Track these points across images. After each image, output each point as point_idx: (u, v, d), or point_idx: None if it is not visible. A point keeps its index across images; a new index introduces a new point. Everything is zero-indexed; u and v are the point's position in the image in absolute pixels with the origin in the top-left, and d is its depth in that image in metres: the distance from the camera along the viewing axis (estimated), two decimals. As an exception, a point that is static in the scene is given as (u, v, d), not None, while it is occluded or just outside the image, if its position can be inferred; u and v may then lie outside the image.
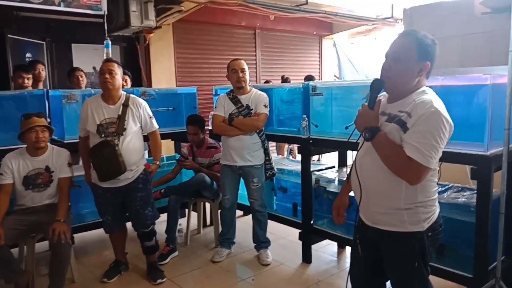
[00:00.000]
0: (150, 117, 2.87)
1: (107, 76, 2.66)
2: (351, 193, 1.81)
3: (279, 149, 6.36)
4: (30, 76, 3.90)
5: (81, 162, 4.20)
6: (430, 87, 1.57)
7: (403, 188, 1.51)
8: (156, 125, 2.92)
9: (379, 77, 1.55)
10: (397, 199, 1.53)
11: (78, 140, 3.12)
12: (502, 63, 2.29)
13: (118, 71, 2.72)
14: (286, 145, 6.28)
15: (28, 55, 4.96)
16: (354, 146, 1.73)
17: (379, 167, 1.52)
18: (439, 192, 2.55)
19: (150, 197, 2.90)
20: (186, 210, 3.79)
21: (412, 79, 1.50)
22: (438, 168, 1.61)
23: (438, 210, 1.62)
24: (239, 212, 3.75)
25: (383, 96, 1.64)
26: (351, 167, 1.68)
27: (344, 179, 3.03)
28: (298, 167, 3.28)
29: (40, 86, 4.23)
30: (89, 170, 2.86)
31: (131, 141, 2.74)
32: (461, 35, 3.45)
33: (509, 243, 2.36)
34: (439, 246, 2.35)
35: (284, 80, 6.12)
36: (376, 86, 1.53)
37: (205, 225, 4.07)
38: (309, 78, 5.59)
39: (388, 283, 1.79)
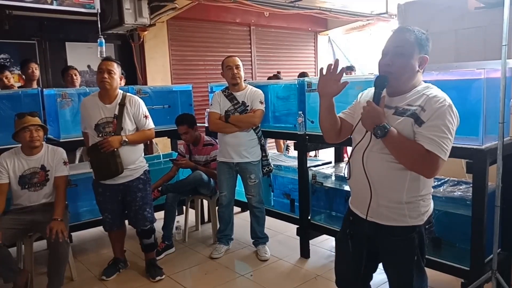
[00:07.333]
0: (145, 116, 2.79)
1: (106, 76, 2.63)
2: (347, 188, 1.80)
3: (278, 146, 6.31)
4: (6, 74, 3.94)
5: (77, 161, 4.21)
6: (425, 81, 1.58)
7: (407, 181, 1.52)
8: (151, 125, 2.83)
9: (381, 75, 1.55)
10: (400, 192, 1.54)
11: (73, 139, 3.14)
12: (495, 58, 2.30)
13: (117, 71, 2.69)
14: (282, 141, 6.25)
15: (2, 56, 4.92)
16: (350, 142, 1.73)
17: (386, 162, 1.52)
18: (435, 186, 2.58)
19: (149, 198, 2.91)
20: (184, 207, 3.79)
21: (414, 73, 1.53)
22: None
23: (432, 203, 1.64)
24: (236, 209, 3.76)
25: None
26: (349, 164, 1.67)
27: (341, 174, 3.06)
28: (295, 163, 3.29)
29: (34, 85, 4.20)
30: None
31: (129, 140, 2.72)
32: (455, 30, 3.47)
33: (505, 235, 2.39)
34: (435, 239, 2.39)
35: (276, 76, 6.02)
36: (380, 82, 1.53)
37: (203, 222, 4.07)
38: (302, 75, 5.59)
39: (374, 275, 1.80)
